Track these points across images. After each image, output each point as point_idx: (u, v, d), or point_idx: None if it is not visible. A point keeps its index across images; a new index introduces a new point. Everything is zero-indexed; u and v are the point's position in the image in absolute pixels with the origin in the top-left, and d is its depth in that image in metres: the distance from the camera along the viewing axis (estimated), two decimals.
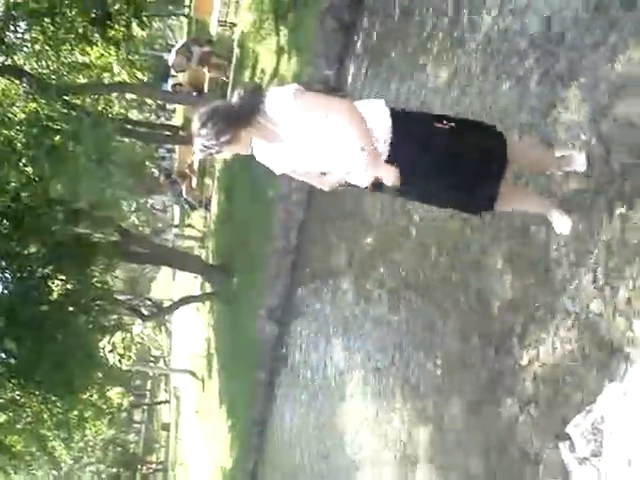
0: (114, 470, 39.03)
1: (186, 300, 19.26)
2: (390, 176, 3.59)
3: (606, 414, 3.36)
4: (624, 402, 3.32)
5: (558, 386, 4.07)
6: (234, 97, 3.73)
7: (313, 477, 9.11)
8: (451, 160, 3.75)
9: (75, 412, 16.32)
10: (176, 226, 28.90)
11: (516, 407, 4.46)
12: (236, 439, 15.11)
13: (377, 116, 3.76)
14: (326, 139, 3.75)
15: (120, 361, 17.56)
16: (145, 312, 18.49)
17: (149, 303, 26.86)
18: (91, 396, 16.74)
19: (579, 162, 4.13)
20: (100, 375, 15.92)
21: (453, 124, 3.82)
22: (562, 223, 4.16)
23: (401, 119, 3.79)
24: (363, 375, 7.47)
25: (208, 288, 18.52)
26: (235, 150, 3.77)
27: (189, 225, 26.36)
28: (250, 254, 13.52)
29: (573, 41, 4.38)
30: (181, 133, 19.44)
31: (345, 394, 8.03)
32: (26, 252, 13.03)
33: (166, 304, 25.55)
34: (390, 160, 3.66)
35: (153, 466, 45.33)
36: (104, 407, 18.86)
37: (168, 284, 35.37)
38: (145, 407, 50.71)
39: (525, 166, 4.51)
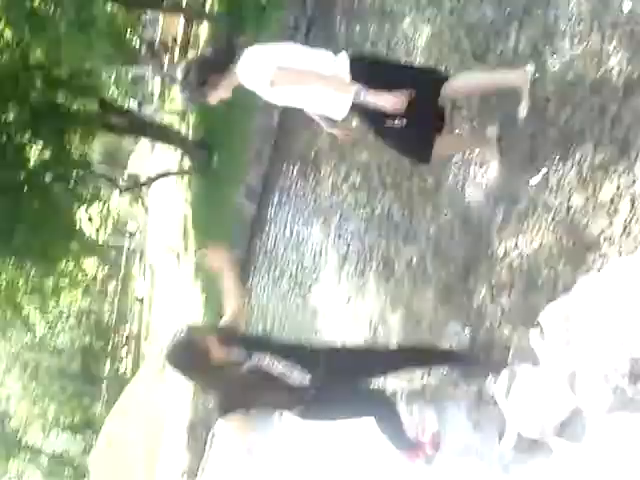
0: (87, 339, 39.75)
1: (164, 174, 19.12)
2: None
3: (578, 305, 3.46)
4: (597, 294, 3.41)
5: (533, 277, 4.16)
6: (209, 51, 4.32)
7: None
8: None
9: (50, 280, 16.48)
10: (157, 99, 28.38)
11: (489, 294, 4.56)
12: (210, 312, 15.36)
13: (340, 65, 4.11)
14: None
15: (97, 232, 17.59)
16: (122, 184, 18.39)
17: (126, 177, 26.72)
18: (66, 265, 16.84)
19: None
20: (76, 245, 15.94)
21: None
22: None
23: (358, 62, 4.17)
24: (338, 259, 7.55)
25: (187, 164, 18.38)
26: (217, 95, 4.13)
27: (171, 99, 25.90)
28: (232, 131, 13.36)
29: None
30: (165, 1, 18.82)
31: (319, 277, 8.14)
32: (4, 119, 12.77)
33: (144, 178, 25.36)
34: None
35: (126, 335, 46.18)
36: (79, 277, 19.03)
37: (147, 157, 35.02)
38: (119, 279, 51.14)
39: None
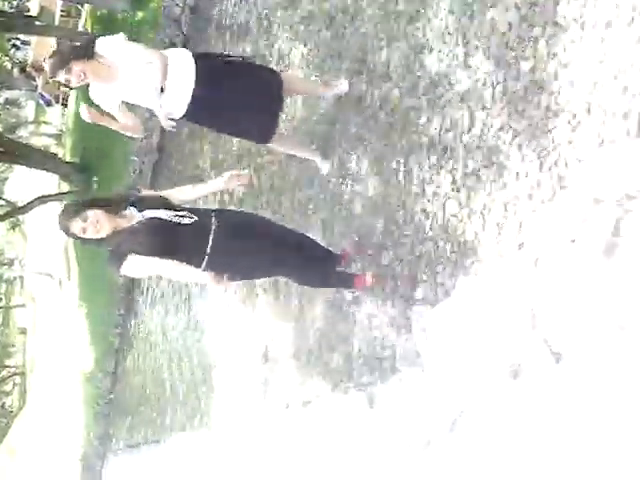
0: None
1: (42, 200, 18.50)
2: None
3: (459, 308, 3.59)
4: (476, 297, 3.55)
5: (414, 282, 4.26)
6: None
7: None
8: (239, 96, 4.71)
9: None
10: (31, 123, 27.54)
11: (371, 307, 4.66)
12: (96, 340, 14.99)
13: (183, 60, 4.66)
14: (145, 79, 4.60)
15: None
16: None
17: (2, 203, 25.76)
18: None
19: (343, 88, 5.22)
20: None
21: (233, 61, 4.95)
22: (323, 165, 5.37)
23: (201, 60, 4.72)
24: None
25: (66, 188, 17.91)
26: (78, 80, 4.58)
27: (45, 122, 25.19)
28: (110, 152, 13.13)
29: None
30: (37, 23, 18.31)
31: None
32: None
33: (21, 204, 24.52)
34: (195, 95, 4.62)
35: (11, 370, 44.42)
36: None
37: (24, 183, 33.90)
38: (0, 311, 49.19)
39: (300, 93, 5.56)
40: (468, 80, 4.04)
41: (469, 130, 3.98)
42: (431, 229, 4.20)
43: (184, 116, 4.79)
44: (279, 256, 4.26)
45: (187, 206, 4.17)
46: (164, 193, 4.18)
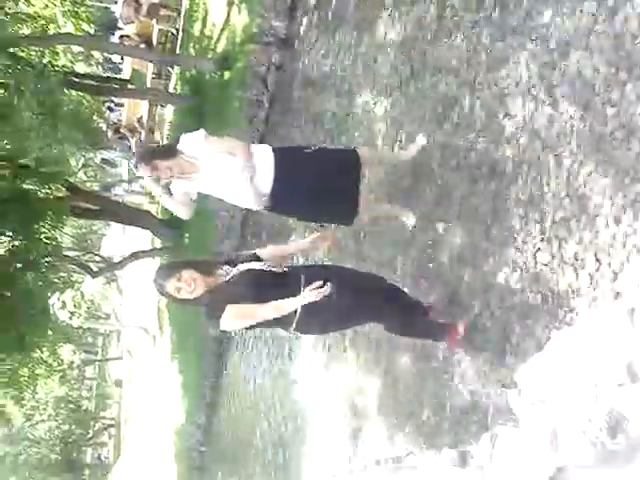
0: (67, 427, 38.89)
1: (136, 255, 19.05)
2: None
3: (553, 361, 3.46)
4: (571, 349, 3.42)
5: (506, 335, 4.16)
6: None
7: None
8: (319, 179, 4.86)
9: (26, 370, 16.20)
10: (126, 181, 28.50)
11: (461, 361, 4.56)
12: (188, 393, 15.18)
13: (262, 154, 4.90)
14: (227, 172, 4.81)
15: (71, 318, 17.40)
16: (95, 268, 18.24)
17: (99, 259, 26.60)
18: (42, 353, 16.59)
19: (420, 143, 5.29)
20: (51, 332, 15.74)
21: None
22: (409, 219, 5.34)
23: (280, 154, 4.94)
24: None
25: (159, 244, 18.38)
26: (167, 176, 4.80)
27: (138, 180, 26.00)
28: (200, 209, 13.40)
29: None
30: (130, 86, 19.08)
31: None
32: None
33: (116, 260, 25.28)
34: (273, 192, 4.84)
35: (106, 422, 45.34)
36: (55, 364, 18.74)
37: (119, 240, 35.02)
38: (97, 364, 50.48)
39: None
40: (553, 126, 3.97)
41: (556, 177, 3.89)
42: (522, 279, 4.10)
43: (266, 207, 5.03)
44: (371, 303, 4.27)
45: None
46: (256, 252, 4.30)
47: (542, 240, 3.95)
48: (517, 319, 4.08)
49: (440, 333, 4.59)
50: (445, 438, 4.63)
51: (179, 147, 4.85)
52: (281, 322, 4.04)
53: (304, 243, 4.57)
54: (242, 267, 4.07)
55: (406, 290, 4.88)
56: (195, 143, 4.85)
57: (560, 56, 3.96)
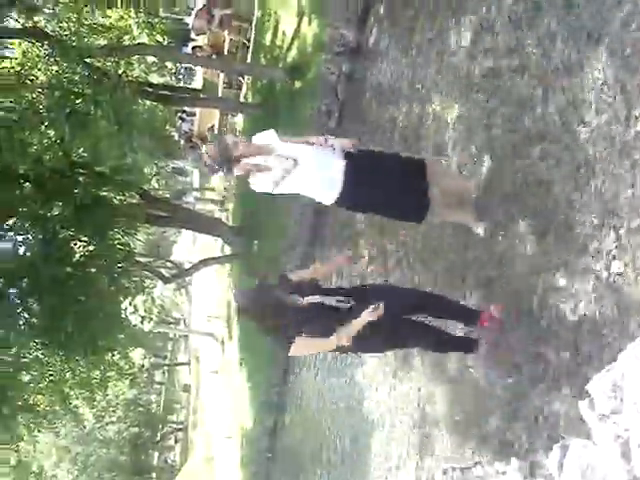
0: (135, 429, 39.60)
1: (206, 262, 19.34)
2: None
3: (626, 372, 3.41)
4: None
5: (577, 346, 4.11)
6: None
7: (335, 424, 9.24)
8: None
9: (97, 372, 16.54)
10: (197, 189, 28.97)
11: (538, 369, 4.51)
12: (256, 398, 15.30)
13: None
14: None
15: (142, 322, 17.72)
16: (166, 274, 18.55)
17: (170, 265, 27.05)
18: (113, 356, 16.91)
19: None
20: (122, 336, 16.06)
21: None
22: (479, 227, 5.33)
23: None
24: None
25: (228, 251, 18.61)
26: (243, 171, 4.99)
27: (210, 188, 26.43)
28: (270, 219, 13.55)
29: None
30: (201, 96, 19.38)
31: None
32: (49, 214, 13.08)
33: (187, 266, 25.68)
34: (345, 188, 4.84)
35: (173, 426, 45.99)
36: (126, 368, 19.08)
37: (189, 247, 35.58)
38: (166, 368, 51.29)
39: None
40: (628, 133, 3.91)
41: (632, 186, 3.83)
42: (595, 289, 4.04)
43: (336, 202, 5.04)
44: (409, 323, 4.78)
45: (344, 286, 4.69)
46: (307, 273, 4.85)
47: (616, 248, 3.89)
48: (589, 329, 4.02)
49: (470, 345, 4.92)
50: (515, 449, 4.58)
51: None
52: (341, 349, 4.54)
53: (329, 266, 5.34)
54: (310, 299, 4.49)
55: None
56: (268, 142, 5.10)
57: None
